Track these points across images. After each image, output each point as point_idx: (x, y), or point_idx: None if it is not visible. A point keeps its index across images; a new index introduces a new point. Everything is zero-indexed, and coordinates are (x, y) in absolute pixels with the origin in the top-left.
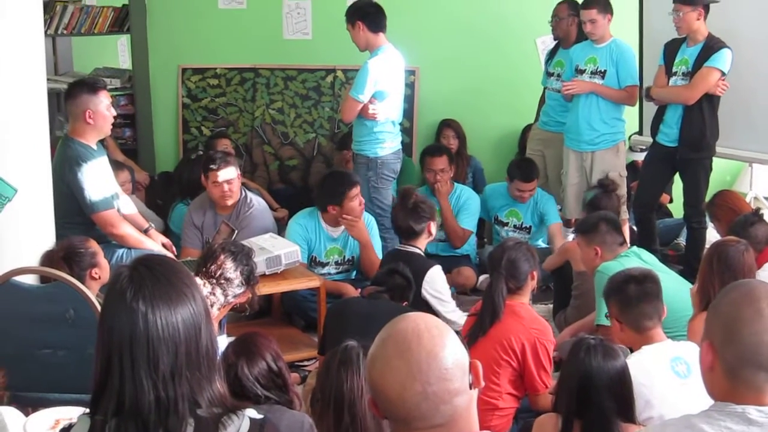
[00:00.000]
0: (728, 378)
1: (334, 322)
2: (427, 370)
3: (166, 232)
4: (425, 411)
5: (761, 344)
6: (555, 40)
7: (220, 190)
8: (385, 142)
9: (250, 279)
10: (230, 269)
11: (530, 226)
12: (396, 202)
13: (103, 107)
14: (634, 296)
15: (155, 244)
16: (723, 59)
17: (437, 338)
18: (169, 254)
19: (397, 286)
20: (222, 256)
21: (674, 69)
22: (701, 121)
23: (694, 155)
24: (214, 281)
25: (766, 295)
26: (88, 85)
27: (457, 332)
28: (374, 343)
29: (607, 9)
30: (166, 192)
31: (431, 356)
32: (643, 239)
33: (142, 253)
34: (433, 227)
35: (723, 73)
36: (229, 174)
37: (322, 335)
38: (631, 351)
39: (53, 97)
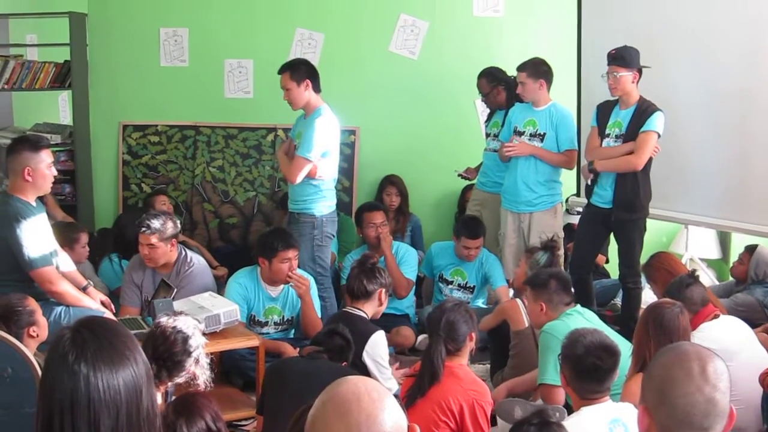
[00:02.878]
0: None
1: (273, 381)
2: None
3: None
4: None
5: (693, 405)
6: (488, 108)
7: (142, 252)
8: (328, 201)
9: (196, 359)
10: (179, 353)
11: (474, 286)
12: (355, 264)
13: (44, 166)
14: (589, 369)
15: (93, 301)
16: (658, 122)
17: (377, 401)
18: (108, 312)
19: (336, 347)
20: (172, 339)
21: (607, 131)
22: (634, 183)
23: (628, 216)
24: (161, 362)
25: (695, 357)
26: (31, 142)
27: (395, 396)
28: (314, 404)
29: (539, 75)
30: (105, 249)
31: (370, 419)
32: (580, 300)
33: (83, 313)
34: (384, 297)
35: (659, 136)
36: (153, 240)
37: (260, 394)
38: (569, 408)
39: None
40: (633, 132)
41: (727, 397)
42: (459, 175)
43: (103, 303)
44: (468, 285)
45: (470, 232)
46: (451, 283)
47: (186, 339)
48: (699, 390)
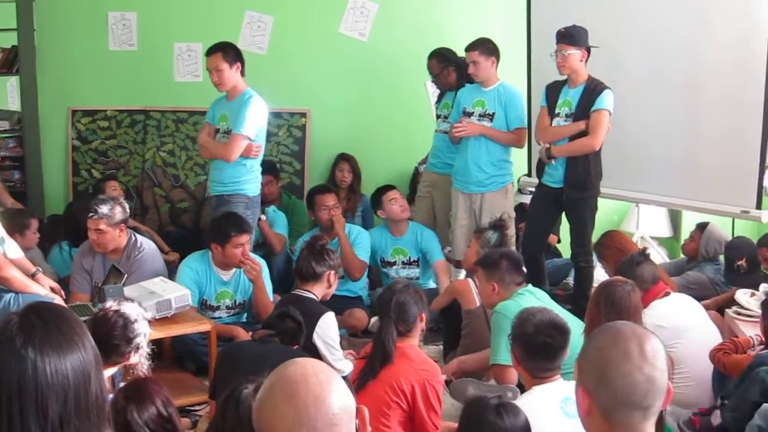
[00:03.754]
0: (605, 420)
1: (225, 366)
2: (314, 414)
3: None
4: None
5: (632, 384)
6: (438, 90)
7: (90, 236)
8: (257, 181)
9: (136, 347)
10: (117, 337)
11: (417, 259)
12: (304, 245)
13: None
14: (541, 347)
15: (42, 288)
16: (608, 100)
17: (325, 383)
18: (58, 298)
19: (288, 329)
20: (112, 322)
21: (557, 110)
22: (585, 162)
23: (579, 195)
24: (100, 345)
25: (632, 335)
26: None
27: (344, 378)
28: (262, 387)
29: (490, 53)
30: (55, 235)
31: (318, 401)
32: (532, 279)
33: (32, 299)
34: (333, 278)
35: (610, 113)
36: (101, 225)
37: (213, 379)
38: (522, 388)
39: None
40: (583, 111)
41: (665, 374)
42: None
43: (52, 289)
44: (411, 260)
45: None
46: (395, 263)
47: (127, 324)
48: (638, 369)
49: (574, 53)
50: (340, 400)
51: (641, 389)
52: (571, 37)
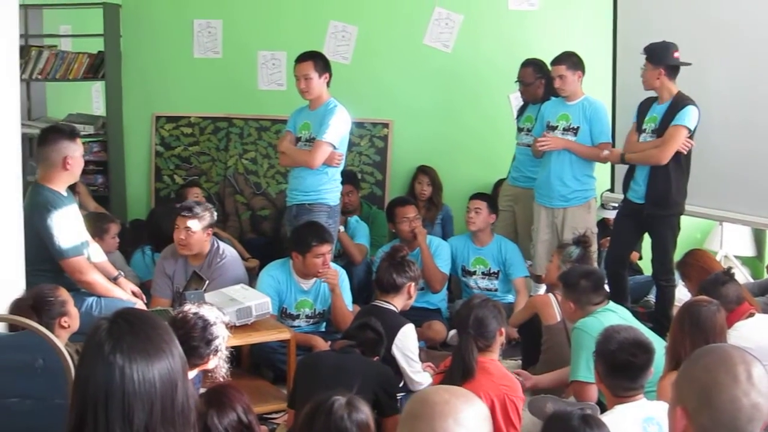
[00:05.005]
0: None
1: (305, 375)
2: None
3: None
4: None
5: (739, 409)
6: (523, 101)
7: (177, 236)
8: (339, 190)
9: (215, 349)
10: (197, 338)
11: (498, 271)
12: (384, 256)
13: (79, 154)
14: (623, 366)
15: (124, 292)
16: (689, 116)
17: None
18: (139, 302)
19: (368, 340)
20: (192, 324)
21: (644, 126)
22: (667, 179)
23: (660, 212)
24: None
25: (741, 360)
26: (67, 132)
27: None
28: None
29: (577, 66)
30: (137, 239)
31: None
32: (615, 295)
33: (114, 304)
34: (414, 290)
35: (690, 130)
36: (191, 224)
37: (292, 388)
38: (602, 406)
39: (26, 142)
40: (665, 126)
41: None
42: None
43: (134, 293)
44: (492, 271)
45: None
46: (474, 273)
47: (206, 326)
48: (745, 395)
49: (652, 71)
50: None
51: (746, 415)
52: (648, 52)
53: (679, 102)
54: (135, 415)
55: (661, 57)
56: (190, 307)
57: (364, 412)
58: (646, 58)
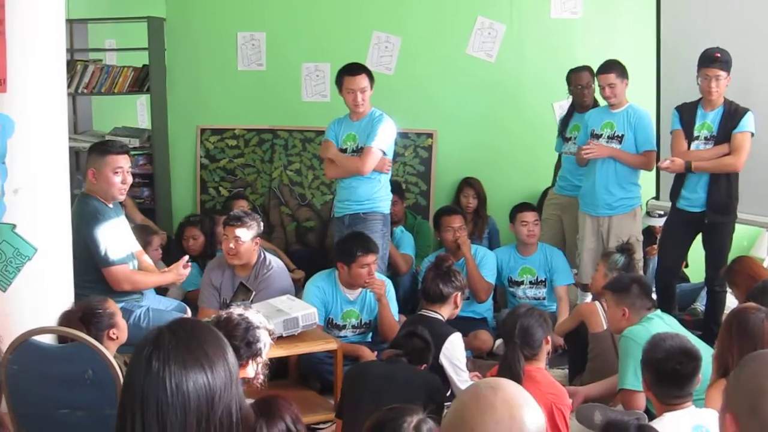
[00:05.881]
0: None
1: (353, 385)
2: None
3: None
4: None
5: None
6: (583, 106)
7: (226, 246)
8: (390, 198)
9: (256, 353)
10: (238, 338)
11: (545, 279)
12: (430, 266)
13: (108, 170)
14: (671, 374)
15: (172, 274)
16: (752, 122)
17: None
18: (185, 272)
19: (415, 349)
20: (234, 324)
21: (696, 133)
22: (728, 185)
23: (722, 219)
24: None
25: None
26: (100, 145)
27: None
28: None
29: (624, 74)
30: (182, 252)
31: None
32: (663, 304)
33: (161, 315)
34: (460, 299)
35: (752, 135)
36: (240, 233)
37: (340, 398)
38: (650, 415)
39: (72, 155)
40: (725, 133)
41: None
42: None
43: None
44: (539, 280)
45: (522, 206)
46: (522, 283)
47: (249, 328)
48: None
49: (727, 78)
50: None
51: None
52: (726, 62)
53: (736, 108)
54: (168, 423)
55: (731, 65)
56: (236, 309)
57: None
58: (719, 66)
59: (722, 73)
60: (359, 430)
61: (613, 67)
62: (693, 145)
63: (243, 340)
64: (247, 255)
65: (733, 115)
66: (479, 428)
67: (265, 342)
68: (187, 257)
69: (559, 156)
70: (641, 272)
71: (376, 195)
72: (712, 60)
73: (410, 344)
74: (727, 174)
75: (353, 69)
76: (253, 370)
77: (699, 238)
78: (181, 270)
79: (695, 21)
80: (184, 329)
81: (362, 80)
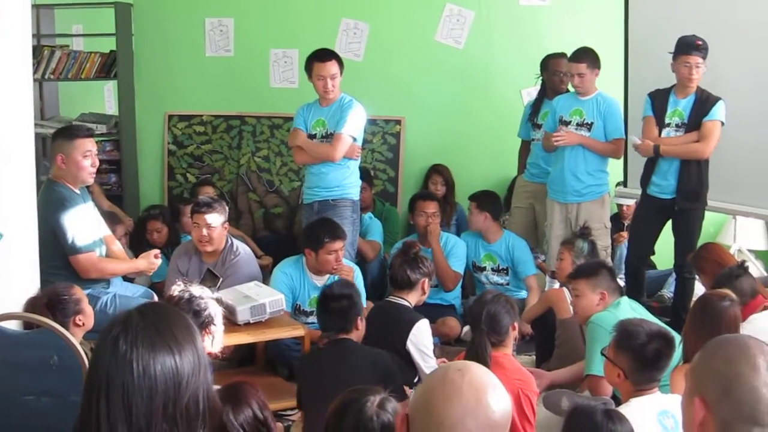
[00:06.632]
0: None
1: (306, 375)
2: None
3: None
4: None
5: (759, 400)
6: (557, 92)
7: (198, 233)
8: (359, 185)
9: (207, 322)
10: (183, 310)
11: (507, 268)
12: (398, 252)
13: (77, 153)
14: (652, 357)
15: (142, 261)
16: (722, 111)
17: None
18: (157, 262)
19: (339, 312)
20: (176, 299)
21: (667, 120)
22: (699, 172)
23: (692, 205)
24: None
25: (760, 351)
26: (66, 130)
27: None
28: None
29: (595, 64)
30: (146, 245)
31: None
32: (632, 291)
33: (129, 302)
34: (427, 286)
35: (722, 124)
36: (211, 219)
37: (297, 390)
38: (616, 400)
39: (39, 141)
40: (696, 121)
41: None
42: None
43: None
44: (501, 268)
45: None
46: (485, 269)
47: (192, 298)
48: (765, 385)
49: (703, 65)
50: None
51: (766, 405)
52: (705, 50)
53: (708, 96)
54: (133, 406)
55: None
56: (175, 288)
57: (392, 413)
58: (699, 53)
59: (702, 61)
60: (321, 416)
61: (584, 56)
62: (664, 132)
63: (189, 311)
64: (219, 240)
65: (704, 103)
66: (445, 411)
67: (214, 311)
68: (157, 251)
69: (523, 142)
70: (609, 259)
71: (345, 182)
72: (694, 47)
73: (332, 316)
74: (698, 161)
75: (323, 55)
76: (209, 341)
77: (667, 225)
78: (152, 259)
79: (663, 9)
80: (154, 312)
81: (332, 66)
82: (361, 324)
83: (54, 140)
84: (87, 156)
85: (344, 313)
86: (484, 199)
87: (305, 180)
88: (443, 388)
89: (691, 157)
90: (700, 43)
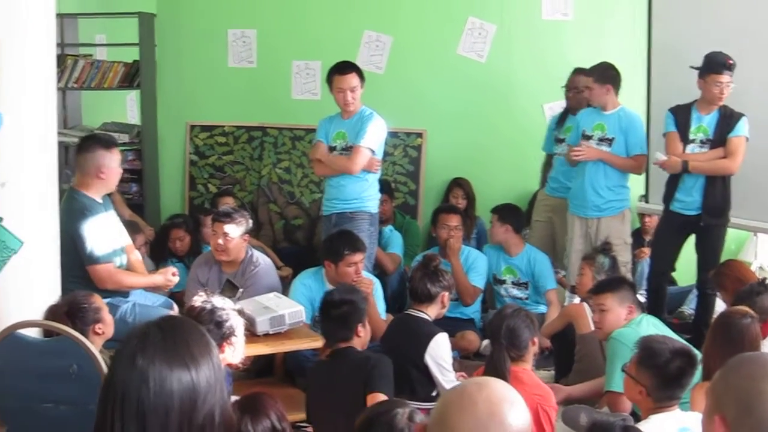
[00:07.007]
0: None
1: (311, 391)
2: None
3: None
4: None
5: None
6: (569, 109)
7: (214, 242)
8: (378, 198)
9: (228, 334)
10: (205, 322)
11: (527, 282)
12: (418, 265)
13: (116, 164)
14: (676, 375)
15: (159, 276)
16: (746, 127)
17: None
18: (174, 279)
19: (340, 318)
20: (198, 311)
21: (691, 137)
22: (723, 188)
23: (717, 221)
24: None
25: None
26: (103, 141)
27: None
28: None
29: (605, 79)
30: (167, 253)
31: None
32: (653, 307)
33: (148, 312)
34: (447, 299)
35: (746, 140)
36: (229, 229)
37: (306, 405)
38: (635, 417)
39: (61, 150)
40: (721, 137)
41: None
42: None
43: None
44: (521, 281)
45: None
46: (505, 282)
47: (214, 309)
48: None
49: (733, 85)
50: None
51: None
52: (734, 68)
53: (731, 112)
54: (148, 422)
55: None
56: (197, 299)
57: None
58: (731, 74)
59: (731, 79)
60: (327, 429)
61: (593, 71)
62: (688, 148)
63: (211, 322)
64: (236, 251)
65: (728, 119)
66: (458, 424)
67: (236, 322)
68: (175, 269)
69: (547, 156)
70: (629, 275)
71: (363, 194)
72: (726, 66)
73: (333, 323)
74: (723, 177)
75: (343, 68)
76: (231, 352)
77: (688, 241)
78: (170, 276)
79: (687, 23)
80: (173, 327)
81: (352, 79)
82: (363, 331)
83: (88, 151)
84: (119, 165)
85: (344, 320)
86: (506, 212)
87: (325, 192)
88: (459, 402)
89: (720, 173)
90: (731, 62)
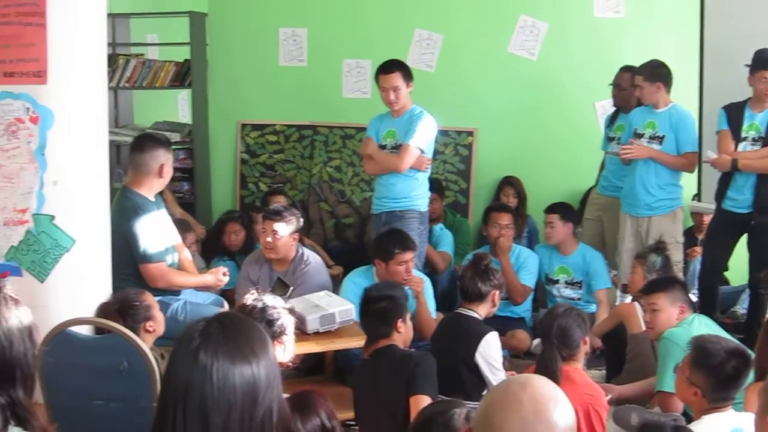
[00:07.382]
0: None
1: (356, 391)
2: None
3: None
4: None
5: None
6: (615, 107)
7: (263, 239)
8: (428, 196)
9: (279, 332)
10: (257, 319)
11: (581, 281)
12: (468, 264)
13: (171, 162)
14: (732, 376)
15: (210, 276)
16: None
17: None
18: (225, 279)
19: (379, 314)
20: (250, 308)
21: (743, 134)
22: None
23: None
24: None
25: None
26: (163, 140)
27: None
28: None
29: (655, 77)
30: (221, 247)
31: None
32: (705, 307)
33: (199, 309)
34: (497, 298)
35: None
36: (278, 227)
37: (354, 405)
38: (687, 417)
39: (112, 149)
40: None
41: None
42: None
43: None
44: (575, 281)
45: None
46: (558, 281)
47: (266, 308)
48: None
49: None
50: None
51: None
52: None
53: None
54: (210, 417)
55: None
56: (249, 297)
57: None
58: None
59: None
60: (373, 429)
61: (642, 69)
62: (740, 146)
63: (262, 321)
64: (285, 250)
65: None
66: (503, 424)
67: (287, 321)
68: (226, 269)
69: (604, 156)
70: (681, 274)
71: (413, 193)
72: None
73: (373, 320)
74: None
75: (387, 67)
76: (281, 351)
77: (741, 240)
78: (221, 276)
79: (739, 20)
80: (232, 322)
81: (395, 78)
82: (404, 326)
83: (149, 150)
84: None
85: (383, 316)
86: (567, 210)
87: (375, 190)
88: (504, 401)
89: None
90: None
